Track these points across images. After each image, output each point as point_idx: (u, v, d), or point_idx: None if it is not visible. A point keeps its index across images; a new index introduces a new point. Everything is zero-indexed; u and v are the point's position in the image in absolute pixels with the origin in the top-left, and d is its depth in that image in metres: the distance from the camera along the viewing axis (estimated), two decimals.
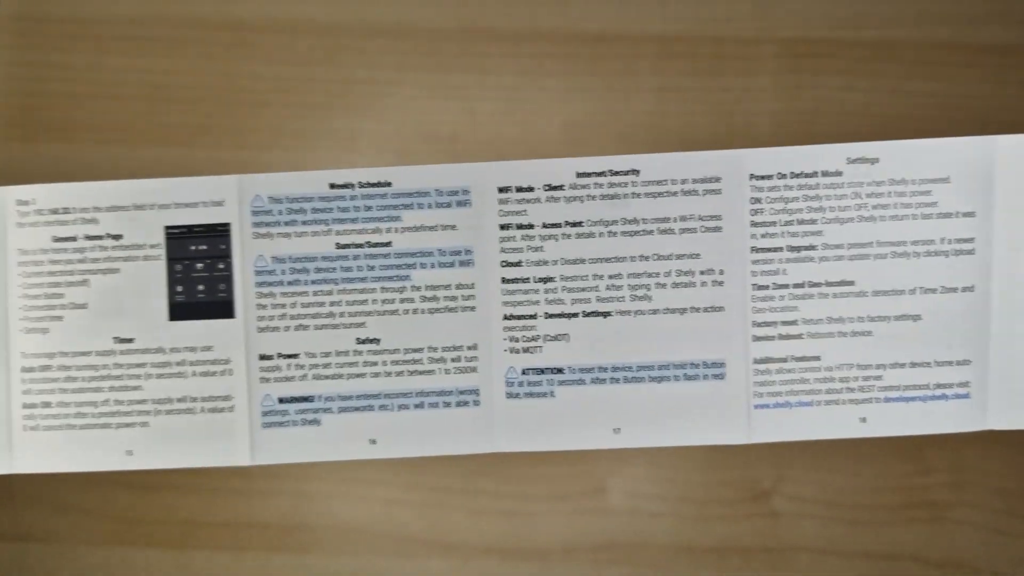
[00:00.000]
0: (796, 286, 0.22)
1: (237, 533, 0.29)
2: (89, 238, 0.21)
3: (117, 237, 0.21)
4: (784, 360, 0.22)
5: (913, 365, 0.22)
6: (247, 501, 0.29)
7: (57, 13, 0.29)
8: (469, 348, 0.21)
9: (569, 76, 0.29)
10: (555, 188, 0.22)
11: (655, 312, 0.21)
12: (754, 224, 0.22)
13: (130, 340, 0.21)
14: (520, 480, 0.29)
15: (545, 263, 0.21)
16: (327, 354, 0.21)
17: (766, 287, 0.22)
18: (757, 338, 0.22)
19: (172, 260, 0.21)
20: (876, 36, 0.28)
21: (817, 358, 0.22)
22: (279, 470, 0.29)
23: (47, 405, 0.21)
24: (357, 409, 0.21)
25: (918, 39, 0.28)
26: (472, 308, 0.21)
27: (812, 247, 0.22)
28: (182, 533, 0.29)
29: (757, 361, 0.22)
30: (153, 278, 0.21)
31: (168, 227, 0.21)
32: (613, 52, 0.29)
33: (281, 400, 0.21)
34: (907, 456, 0.29)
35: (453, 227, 0.21)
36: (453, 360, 0.21)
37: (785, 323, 0.22)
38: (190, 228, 0.21)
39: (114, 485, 0.28)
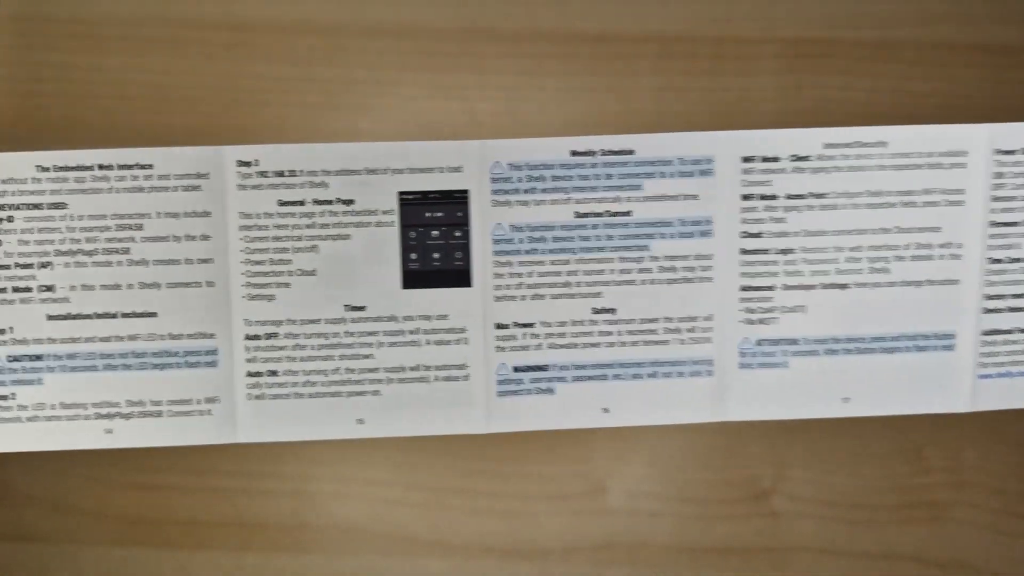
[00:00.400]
0: None
1: (237, 533, 0.29)
2: (318, 202, 0.21)
3: (348, 202, 0.21)
4: (1010, 332, 0.22)
5: None
6: (247, 501, 0.29)
7: (57, 13, 0.29)
8: (704, 319, 0.21)
9: (569, 76, 0.29)
10: (802, 159, 0.21)
11: (892, 285, 0.21)
12: (995, 199, 0.21)
13: (361, 308, 0.21)
14: (520, 480, 0.29)
15: (786, 235, 0.21)
16: (562, 323, 0.21)
17: (1000, 260, 0.21)
18: (987, 311, 0.21)
19: (406, 227, 0.21)
20: (876, 36, 0.28)
21: None
22: (279, 470, 0.29)
23: (273, 374, 0.21)
24: (591, 378, 0.21)
25: (918, 39, 0.28)
26: (709, 279, 0.21)
27: None
28: (182, 533, 0.29)
29: (985, 333, 0.21)
30: (386, 245, 0.21)
31: (402, 193, 0.21)
32: (613, 52, 0.29)
33: (516, 369, 0.21)
34: (907, 456, 0.29)
35: (695, 197, 0.21)
36: (688, 331, 0.21)
37: (1015, 296, 0.21)
38: (425, 194, 0.21)
39: (114, 485, 0.28)
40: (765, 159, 0.21)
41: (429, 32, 0.29)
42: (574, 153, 0.20)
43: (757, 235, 0.21)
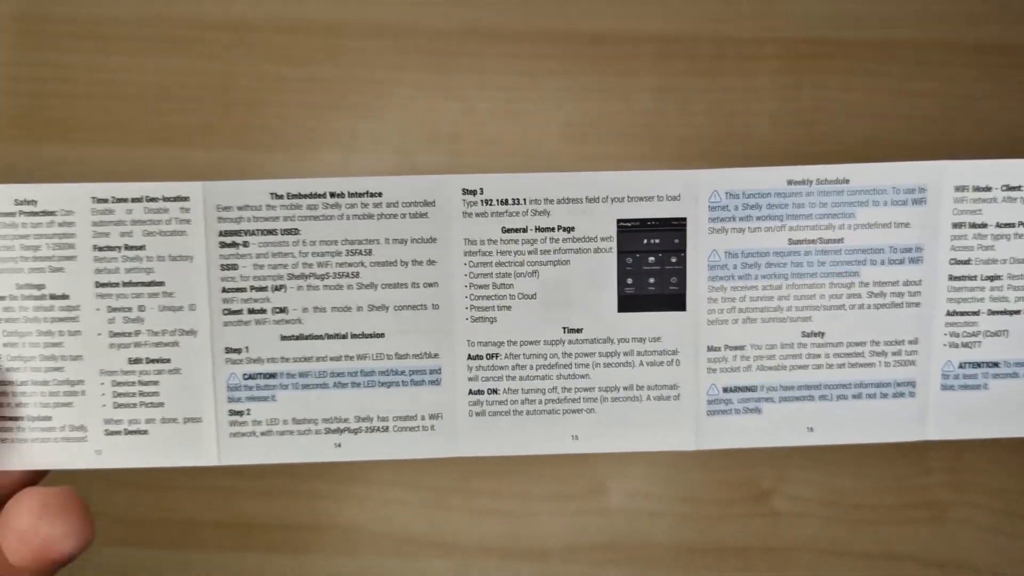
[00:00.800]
0: None
1: (237, 533, 0.29)
2: (540, 229, 0.21)
3: (569, 229, 0.21)
4: None
5: None
6: (247, 501, 0.29)
7: (57, 13, 0.29)
8: (910, 342, 0.22)
9: (569, 76, 0.29)
10: (1012, 188, 0.22)
11: None
12: None
13: (579, 330, 0.21)
14: (520, 480, 0.29)
15: (994, 261, 0.22)
16: (772, 346, 0.22)
17: None
18: None
19: (623, 253, 0.21)
20: (876, 36, 0.28)
21: None
22: (279, 470, 0.29)
23: (494, 392, 0.22)
24: (797, 399, 0.22)
25: (918, 39, 0.28)
26: (917, 304, 0.22)
27: None
28: (182, 533, 0.29)
29: None
30: (603, 270, 0.21)
31: (620, 220, 0.21)
32: (613, 52, 0.29)
33: (725, 389, 0.22)
34: (907, 456, 0.29)
35: (906, 225, 0.21)
36: (893, 353, 0.22)
37: None
38: (643, 222, 0.21)
39: (114, 485, 0.28)
40: (976, 188, 0.21)
41: (429, 32, 0.29)
42: (790, 182, 0.21)
43: (966, 262, 0.22)
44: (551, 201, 0.21)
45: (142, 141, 0.28)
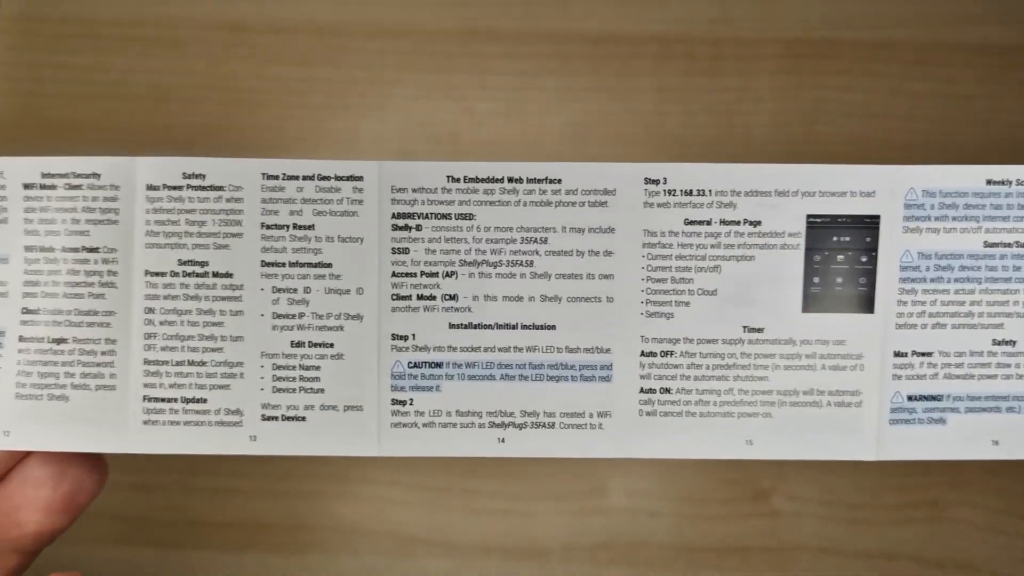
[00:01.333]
0: None
1: (237, 533, 0.29)
2: (724, 223, 0.20)
3: (755, 223, 0.20)
4: None
5: None
6: (247, 501, 0.29)
7: (57, 13, 0.29)
8: None
9: (569, 76, 0.29)
10: None
11: None
12: None
13: (760, 330, 0.21)
14: (520, 480, 0.29)
15: None
16: (960, 354, 0.21)
17: None
18: None
19: (811, 250, 0.20)
20: (876, 36, 0.28)
21: None
22: (280, 470, 0.29)
23: (666, 391, 0.21)
24: (984, 410, 0.21)
25: (918, 39, 0.28)
26: None
27: None
28: (182, 533, 0.29)
29: None
30: (788, 268, 0.20)
31: (810, 216, 0.20)
32: (613, 52, 0.29)
33: (910, 397, 0.21)
34: None
35: None
36: None
37: None
38: (834, 218, 0.20)
39: (114, 485, 0.28)
40: None
41: (429, 32, 0.29)
42: (989, 182, 0.20)
43: None
44: (738, 193, 0.20)
45: (142, 141, 0.28)
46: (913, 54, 0.28)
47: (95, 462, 0.21)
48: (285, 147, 0.28)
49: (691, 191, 0.20)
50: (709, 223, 0.20)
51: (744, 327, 0.21)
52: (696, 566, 0.29)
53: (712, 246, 0.20)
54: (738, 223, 0.20)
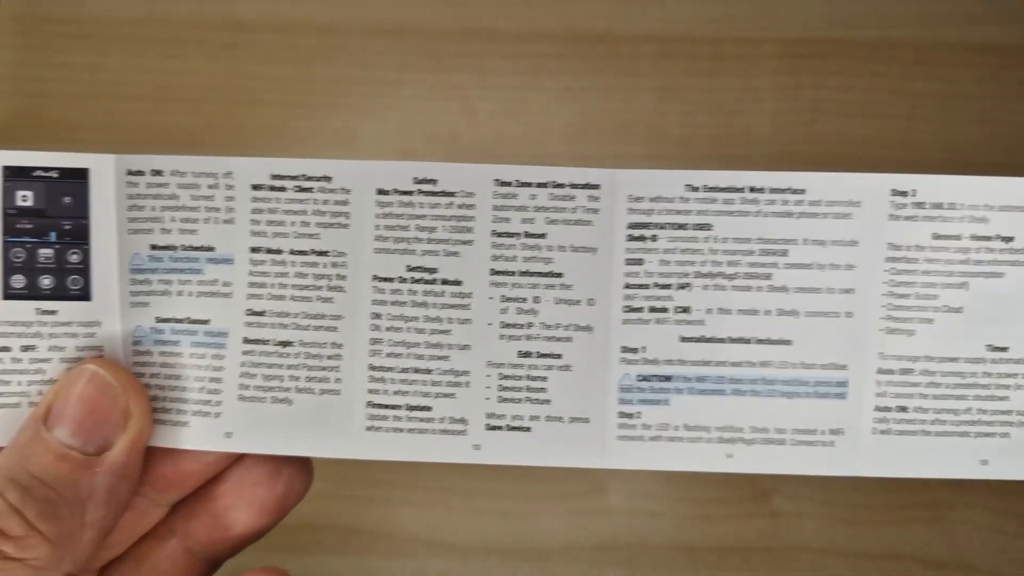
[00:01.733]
0: None
1: None
2: (975, 238, 0.20)
3: (1008, 239, 0.20)
4: None
5: None
6: None
7: (57, 13, 0.29)
8: None
9: (569, 76, 0.29)
10: None
11: None
12: None
13: (1004, 348, 0.20)
14: (520, 480, 0.29)
15: None
16: None
17: None
18: None
19: None
20: (876, 36, 0.28)
21: None
22: None
23: (903, 409, 0.20)
24: None
25: (918, 39, 0.28)
26: None
27: None
28: None
29: None
30: None
31: None
32: (613, 52, 0.29)
33: None
34: None
35: None
36: None
37: None
38: None
39: None
40: None
41: (429, 32, 0.29)
42: None
43: None
44: (991, 208, 0.19)
45: (142, 141, 0.28)
46: (913, 54, 0.28)
47: (304, 463, 0.21)
48: (285, 147, 0.28)
49: (941, 204, 0.20)
50: (959, 238, 0.20)
51: (988, 345, 0.20)
52: (696, 566, 0.29)
53: (961, 262, 0.20)
54: (989, 238, 0.20)
